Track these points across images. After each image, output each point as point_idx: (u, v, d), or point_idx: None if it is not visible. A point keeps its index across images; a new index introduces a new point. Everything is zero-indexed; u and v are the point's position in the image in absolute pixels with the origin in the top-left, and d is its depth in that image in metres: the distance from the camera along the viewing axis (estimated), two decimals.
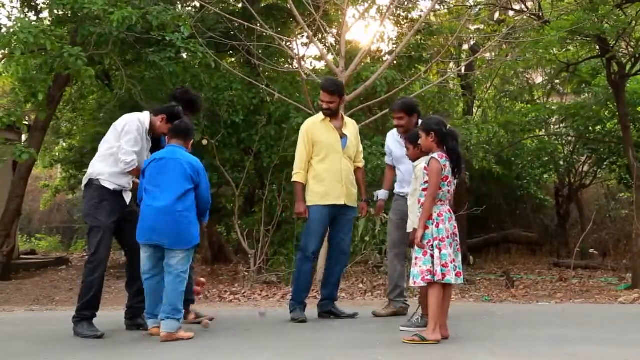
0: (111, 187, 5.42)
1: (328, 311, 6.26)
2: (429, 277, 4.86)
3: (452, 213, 5.06)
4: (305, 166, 6.18)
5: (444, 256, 4.87)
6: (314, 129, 6.24)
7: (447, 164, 4.96)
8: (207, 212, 5.39)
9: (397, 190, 6.33)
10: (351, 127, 6.43)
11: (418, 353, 4.52)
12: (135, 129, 5.44)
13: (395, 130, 6.41)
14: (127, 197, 5.60)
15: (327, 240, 6.42)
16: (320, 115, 6.33)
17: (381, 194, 6.59)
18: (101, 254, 5.39)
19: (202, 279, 6.45)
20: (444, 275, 4.84)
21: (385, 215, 8.63)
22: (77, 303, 5.47)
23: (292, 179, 6.27)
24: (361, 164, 6.52)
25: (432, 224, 4.94)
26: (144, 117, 5.59)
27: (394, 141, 6.41)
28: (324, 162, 6.16)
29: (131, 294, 5.71)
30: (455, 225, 5.04)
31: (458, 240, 5.07)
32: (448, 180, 4.97)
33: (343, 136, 6.27)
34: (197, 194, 5.23)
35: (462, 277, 5.00)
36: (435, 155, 4.98)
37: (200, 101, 6.28)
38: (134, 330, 5.59)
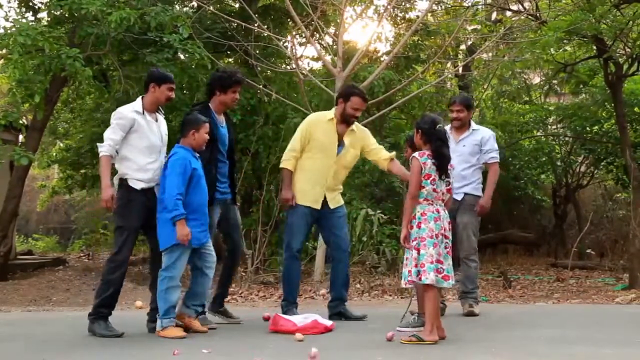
0: (138, 186, 5.38)
1: (338, 312, 6.21)
2: (410, 278, 4.90)
3: (444, 212, 4.99)
4: (296, 155, 6.06)
5: (421, 257, 4.84)
6: (317, 126, 6.13)
7: (429, 161, 4.93)
8: (168, 206, 5.18)
9: None
10: (351, 136, 6.22)
11: (417, 353, 4.52)
12: (113, 119, 5.43)
13: (446, 128, 6.50)
14: (158, 193, 5.52)
15: (325, 242, 6.37)
16: (329, 114, 6.20)
17: None
18: (123, 254, 5.38)
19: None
20: (419, 276, 4.83)
21: (383, 215, 8.62)
22: (94, 299, 5.46)
23: (281, 165, 6.13)
24: (393, 154, 6.38)
25: (414, 224, 4.93)
26: (127, 105, 5.58)
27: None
28: (315, 161, 6.06)
29: (154, 296, 5.60)
30: (445, 226, 4.96)
31: (449, 241, 4.98)
32: (432, 179, 4.93)
33: (341, 143, 6.18)
34: None
35: (450, 280, 4.93)
36: (416, 154, 5.00)
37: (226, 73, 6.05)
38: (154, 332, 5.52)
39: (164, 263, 5.32)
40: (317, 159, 6.08)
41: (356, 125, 6.30)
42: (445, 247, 4.94)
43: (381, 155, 6.34)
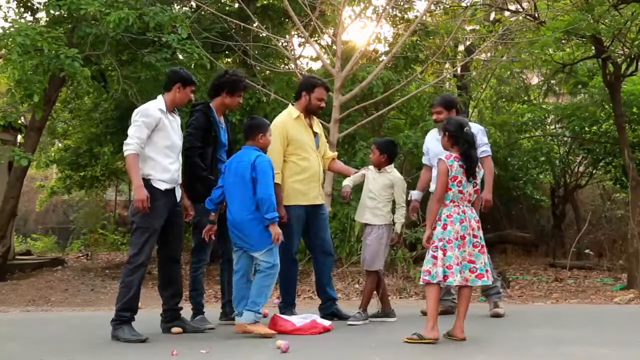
0: (162, 187, 5.30)
1: (331, 313, 6.21)
2: (427, 278, 4.89)
3: (470, 212, 5.00)
4: (281, 166, 5.94)
5: (448, 258, 4.86)
6: (289, 126, 6.04)
7: (455, 164, 4.95)
8: (265, 208, 5.20)
9: (432, 189, 6.31)
10: (318, 123, 6.37)
11: (414, 353, 4.53)
12: (137, 117, 5.31)
13: (435, 129, 6.56)
14: (178, 194, 5.50)
15: (308, 245, 6.36)
16: (293, 112, 6.13)
17: (415, 194, 6.59)
18: (144, 255, 5.25)
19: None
20: (445, 277, 4.85)
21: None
22: (115, 304, 5.32)
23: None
24: (335, 154, 6.61)
25: (440, 225, 4.95)
26: (150, 103, 5.49)
27: (432, 139, 6.55)
28: (304, 161, 6.02)
29: (166, 297, 5.61)
30: (473, 226, 4.96)
31: (479, 240, 4.98)
32: (458, 181, 4.95)
33: (315, 134, 6.21)
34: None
35: (485, 278, 4.94)
36: (442, 156, 5.04)
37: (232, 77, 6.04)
38: (169, 333, 5.51)
39: (265, 262, 5.29)
40: (307, 158, 6.04)
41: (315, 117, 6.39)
42: (475, 246, 4.94)
43: (327, 153, 6.45)
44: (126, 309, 5.24)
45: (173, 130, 5.46)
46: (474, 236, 4.96)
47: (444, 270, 4.85)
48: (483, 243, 5.02)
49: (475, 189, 5.06)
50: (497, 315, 6.31)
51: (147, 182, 5.24)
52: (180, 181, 5.52)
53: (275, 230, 5.26)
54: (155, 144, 5.33)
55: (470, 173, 4.99)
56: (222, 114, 6.09)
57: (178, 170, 5.48)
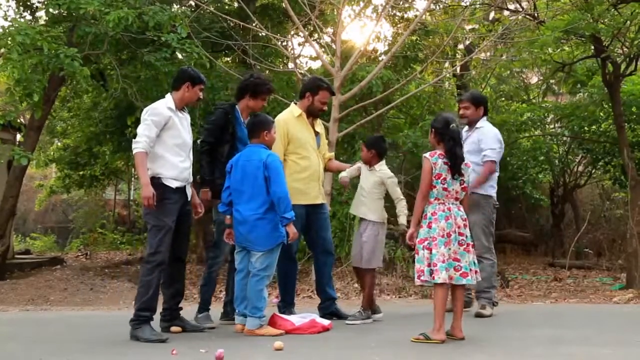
0: (173, 185, 5.30)
1: (330, 312, 6.22)
2: (423, 278, 4.90)
3: (457, 210, 4.98)
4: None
5: (433, 256, 4.87)
6: (291, 124, 6.07)
7: (439, 161, 4.94)
8: (283, 207, 5.27)
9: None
10: (319, 123, 6.38)
11: (413, 353, 4.53)
12: (147, 116, 5.32)
13: (466, 128, 6.50)
14: (189, 192, 5.51)
15: (309, 244, 6.35)
16: (295, 110, 6.16)
17: None
18: (161, 253, 5.24)
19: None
20: (432, 275, 4.85)
21: None
22: (135, 304, 5.32)
23: None
24: (332, 155, 6.63)
25: (425, 224, 4.95)
26: (159, 101, 5.50)
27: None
28: (304, 160, 6.02)
29: (167, 295, 5.60)
30: (459, 224, 4.95)
31: (465, 238, 4.96)
32: (442, 178, 4.95)
33: (317, 134, 6.22)
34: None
35: (469, 277, 4.93)
36: (426, 154, 5.02)
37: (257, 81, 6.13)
38: (168, 332, 5.48)
39: (261, 263, 5.35)
40: (307, 157, 6.04)
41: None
42: (460, 244, 4.92)
43: (325, 154, 6.45)
44: (145, 308, 5.24)
45: (183, 128, 5.47)
46: (460, 234, 4.94)
47: (429, 268, 4.86)
48: (469, 242, 5.00)
49: (462, 186, 5.04)
50: (480, 316, 6.28)
51: (157, 180, 5.25)
52: (191, 180, 5.53)
53: (293, 230, 5.35)
54: (166, 143, 5.33)
55: (455, 170, 4.97)
56: (248, 115, 6.09)
57: (188, 168, 5.47)
